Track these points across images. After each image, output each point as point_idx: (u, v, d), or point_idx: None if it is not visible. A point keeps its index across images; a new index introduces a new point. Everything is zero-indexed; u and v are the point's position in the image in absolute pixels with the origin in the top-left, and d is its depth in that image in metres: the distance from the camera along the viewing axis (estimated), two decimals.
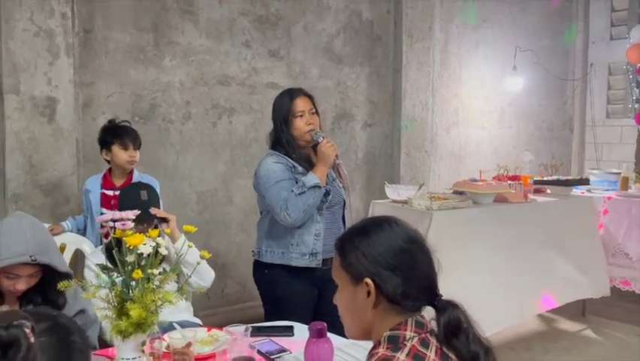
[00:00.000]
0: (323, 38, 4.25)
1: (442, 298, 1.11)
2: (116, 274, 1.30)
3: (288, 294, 2.25)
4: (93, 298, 1.27)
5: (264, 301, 2.40)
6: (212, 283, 2.31)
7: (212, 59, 3.75)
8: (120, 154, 2.81)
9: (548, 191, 3.90)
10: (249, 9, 3.88)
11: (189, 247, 1.43)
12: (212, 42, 3.74)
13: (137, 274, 1.24)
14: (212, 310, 3.69)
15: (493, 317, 2.94)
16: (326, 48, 4.27)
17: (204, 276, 2.21)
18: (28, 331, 0.78)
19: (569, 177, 4.08)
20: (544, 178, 3.96)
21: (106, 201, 2.84)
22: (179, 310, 2.08)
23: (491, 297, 2.98)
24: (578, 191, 4.16)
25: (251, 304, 3.69)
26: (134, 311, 1.21)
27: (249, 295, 3.79)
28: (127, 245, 1.27)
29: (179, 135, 3.68)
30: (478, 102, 5.27)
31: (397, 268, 1.08)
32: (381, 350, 1.06)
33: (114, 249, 1.40)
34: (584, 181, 4.04)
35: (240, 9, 3.85)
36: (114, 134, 2.84)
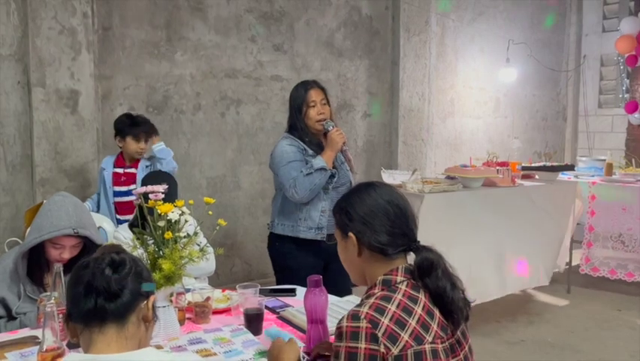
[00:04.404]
0: (324, 33, 4.50)
1: (419, 243, 1.36)
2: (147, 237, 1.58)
3: (296, 263, 2.53)
4: None
5: (275, 270, 2.69)
6: (208, 273, 2.58)
7: (220, 54, 4.01)
8: (132, 145, 3.13)
9: (536, 176, 4.15)
10: (255, 6, 4.14)
11: (196, 233, 1.66)
12: (221, 37, 4.01)
13: (168, 235, 1.52)
14: (222, 287, 3.97)
15: (476, 291, 3.23)
16: (327, 42, 4.52)
17: (208, 263, 2.44)
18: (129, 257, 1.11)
19: (555, 164, 4.32)
20: (532, 164, 4.21)
21: (117, 179, 3.19)
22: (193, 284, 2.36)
23: (474, 273, 3.26)
24: (565, 177, 4.41)
25: (258, 282, 3.98)
26: (166, 265, 1.49)
27: (256, 273, 4.09)
28: (159, 212, 1.54)
29: (190, 125, 3.95)
30: (473, 93, 5.51)
31: (373, 224, 1.35)
32: (378, 291, 1.31)
33: (139, 222, 1.68)
34: (569, 167, 4.29)
35: (246, 6, 4.10)
36: (130, 126, 3.14)
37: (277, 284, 2.51)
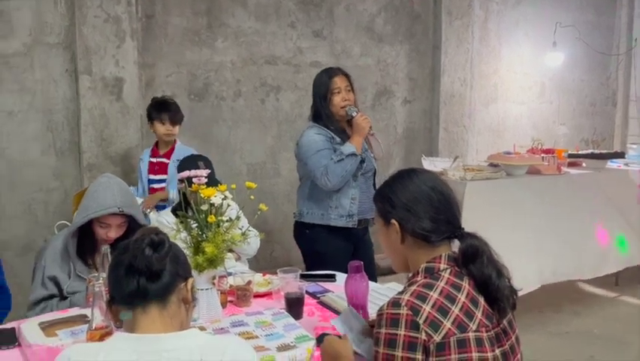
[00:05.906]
0: (364, 18, 4.44)
1: (464, 230, 1.33)
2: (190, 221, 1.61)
3: (327, 250, 2.54)
4: (174, 240, 1.57)
5: (305, 257, 2.70)
6: (256, 251, 2.62)
7: (260, 40, 4.02)
8: (159, 128, 3.18)
9: (584, 164, 4.01)
10: None
11: (238, 217, 1.67)
12: (261, 24, 4.01)
13: (212, 218, 1.54)
14: (262, 271, 4.02)
15: (519, 280, 3.15)
16: (367, 27, 4.46)
17: (251, 245, 2.49)
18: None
19: (604, 151, 4.17)
20: (579, 152, 4.07)
21: (151, 168, 3.25)
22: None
23: (516, 262, 3.18)
24: (614, 165, 4.24)
25: (296, 267, 4.02)
26: (209, 248, 1.51)
27: (295, 258, 4.09)
28: (202, 196, 1.57)
29: (230, 111, 3.99)
30: (517, 78, 5.34)
31: (417, 210, 1.32)
32: (420, 278, 1.29)
33: (182, 207, 1.71)
34: (619, 155, 4.12)
35: None
36: (156, 110, 3.20)
37: (308, 270, 2.52)
